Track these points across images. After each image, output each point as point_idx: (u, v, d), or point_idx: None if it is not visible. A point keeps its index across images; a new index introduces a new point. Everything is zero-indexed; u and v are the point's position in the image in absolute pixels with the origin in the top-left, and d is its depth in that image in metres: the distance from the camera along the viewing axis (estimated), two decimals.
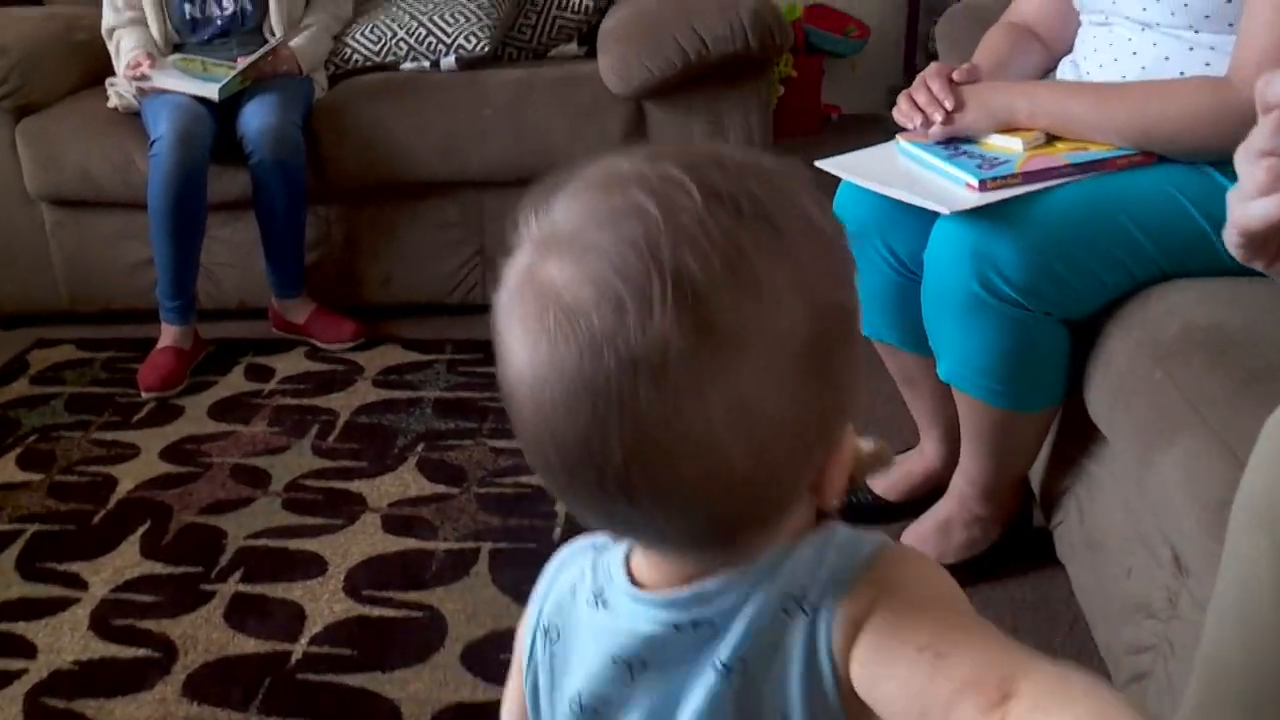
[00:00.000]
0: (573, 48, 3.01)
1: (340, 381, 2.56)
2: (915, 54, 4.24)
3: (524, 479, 2.12)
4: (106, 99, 2.80)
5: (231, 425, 2.40)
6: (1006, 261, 1.45)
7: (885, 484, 1.95)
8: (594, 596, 0.72)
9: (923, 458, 1.95)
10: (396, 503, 2.08)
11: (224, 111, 2.59)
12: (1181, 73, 1.56)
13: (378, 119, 2.69)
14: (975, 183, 1.47)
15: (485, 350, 2.65)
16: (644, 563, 0.70)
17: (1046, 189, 1.48)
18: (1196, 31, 1.55)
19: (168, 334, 2.63)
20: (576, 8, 2.95)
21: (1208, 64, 1.54)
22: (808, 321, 0.58)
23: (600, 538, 0.74)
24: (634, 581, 0.70)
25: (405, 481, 2.15)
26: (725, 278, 0.56)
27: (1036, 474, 1.80)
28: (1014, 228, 1.45)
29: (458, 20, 2.82)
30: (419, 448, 2.27)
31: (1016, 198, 1.46)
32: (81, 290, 2.87)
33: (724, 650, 0.66)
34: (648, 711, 0.70)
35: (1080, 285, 1.49)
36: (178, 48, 2.79)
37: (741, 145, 2.61)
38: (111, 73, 2.83)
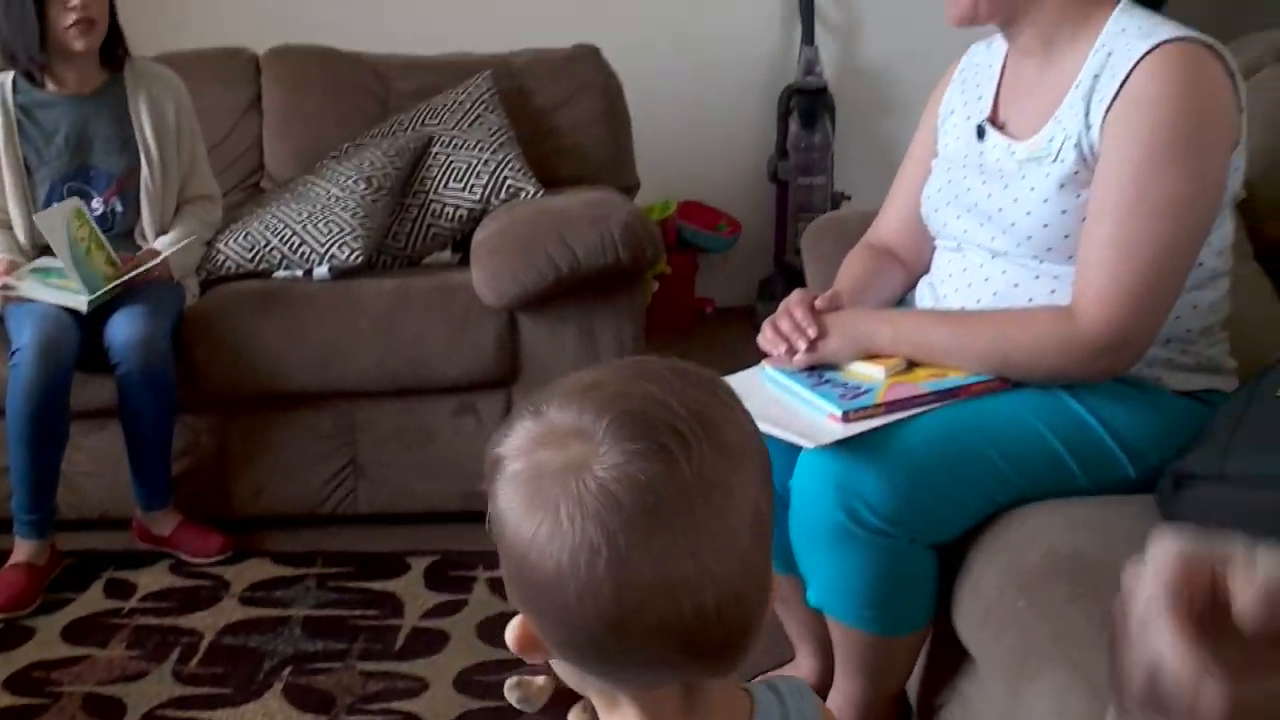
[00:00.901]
0: (446, 255, 3.04)
1: (205, 599, 2.48)
2: (784, 249, 4.36)
3: (394, 705, 2.06)
4: None
5: (87, 649, 2.30)
6: (871, 492, 1.47)
7: None
8: None
9: (798, 671, 1.94)
10: None
11: (91, 318, 2.55)
12: (1030, 299, 1.64)
13: (250, 328, 2.68)
14: (838, 414, 1.50)
15: (357, 563, 2.61)
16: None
17: (907, 418, 1.52)
18: (1041, 262, 1.63)
19: (21, 549, 2.53)
20: (450, 216, 2.99)
21: (1054, 291, 1.62)
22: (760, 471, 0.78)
23: None
24: None
25: (271, 710, 2.08)
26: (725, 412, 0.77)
27: (914, 690, 1.80)
28: (878, 459, 1.48)
29: (331, 229, 2.83)
30: (285, 672, 2.19)
31: (877, 429, 1.49)
32: None
33: None
34: None
35: (944, 511, 1.52)
36: (45, 250, 2.74)
37: (613, 353, 2.66)
38: None
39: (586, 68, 3.35)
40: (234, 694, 2.13)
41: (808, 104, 4.16)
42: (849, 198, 4.28)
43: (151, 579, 2.58)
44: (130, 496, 2.67)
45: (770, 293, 4.14)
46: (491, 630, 2.32)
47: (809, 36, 4.18)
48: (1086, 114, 1.58)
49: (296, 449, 2.75)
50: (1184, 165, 1.52)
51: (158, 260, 2.67)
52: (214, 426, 2.75)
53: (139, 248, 2.77)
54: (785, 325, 1.69)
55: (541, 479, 0.74)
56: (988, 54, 1.83)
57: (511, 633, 0.80)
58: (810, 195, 4.25)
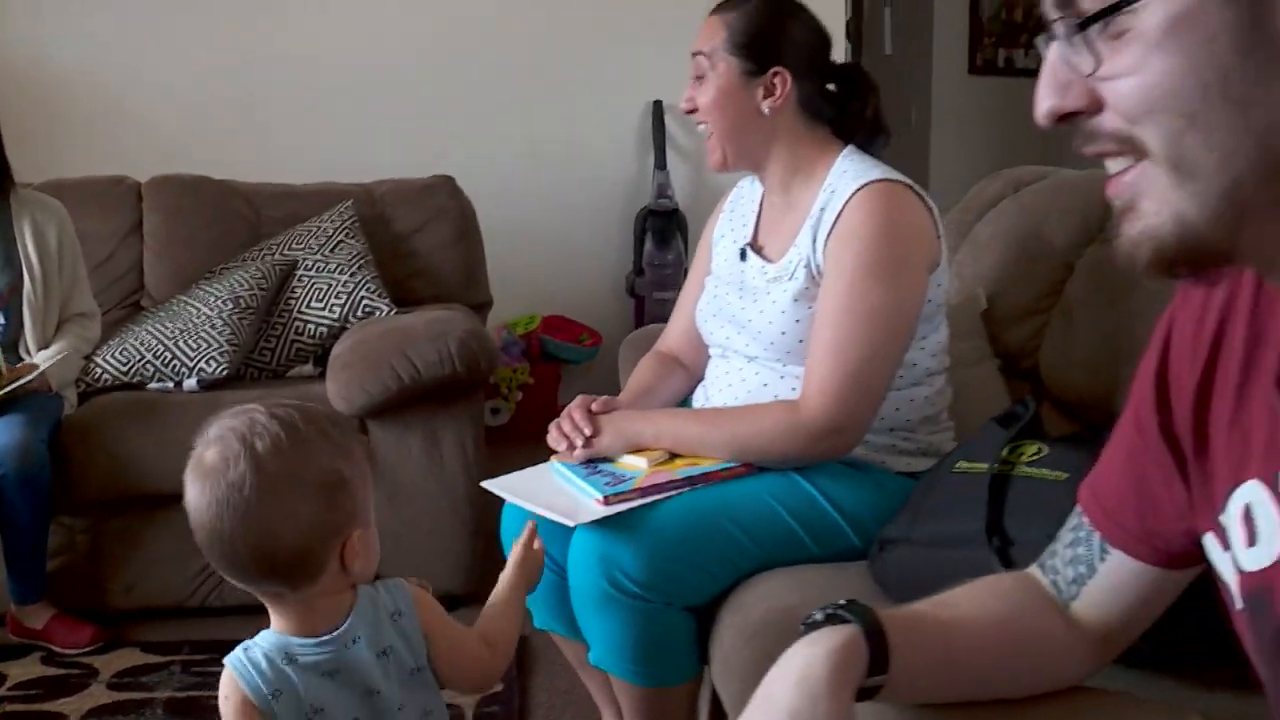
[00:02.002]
0: (309, 368, 3.30)
1: (74, 686, 2.67)
2: None
3: None
4: None
5: None
6: (629, 563, 1.76)
7: None
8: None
9: None
10: None
11: None
12: (776, 396, 1.96)
13: (124, 435, 2.91)
14: (601, 497, 1.79)
15: (221, 649, 2.78)
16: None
17: (662, 499, 1.82)
18: (784, 364, 1.96)
19: None
20: (312, 334, 3.27)
21: (794, 389, 1.93)
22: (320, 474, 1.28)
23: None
24: None
25: None
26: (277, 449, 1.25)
27: None
28: (634, 535, 1.77)
29: (200, 345, 3.10)
30: None
31: (636, 508, 1.79)
32: None
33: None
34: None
35: (693, 578, 1.81)
36: None
37: (455, 455, 2.93)
38: None
39: (442, 196, 3.67)
40: None
41: (661, 224, 4.52)
42: None
43: (22, 670, 2.76)
44: (4, 592, 2.86)
45: None
46: None
47: (661, 162, 4.56)
48: (814, 240, 1.92)
49: (166, 546, 2.95)
50: (884, 282, 1.85)
51: (37, 373, 2.90)
52: (88, 526, 2.97)
53: (21, 359, 3.00)
54: (566, 426, 1.99)
55: (194, 467, 1.30)
56: (752, 189, 2.18)
57: None
58: (665, 309, 4.52)
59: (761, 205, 2.13)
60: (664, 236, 4.54)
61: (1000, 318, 2.43)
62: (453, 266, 3.59)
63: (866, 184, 1.89)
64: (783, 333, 1.95)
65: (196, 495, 1.27)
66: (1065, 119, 0.85)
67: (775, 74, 1.97)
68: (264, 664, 1.30)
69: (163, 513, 2.95)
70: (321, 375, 3.21)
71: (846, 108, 2.05)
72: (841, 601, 1.11)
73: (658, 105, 4.57)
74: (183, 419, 2.93)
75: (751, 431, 1.90)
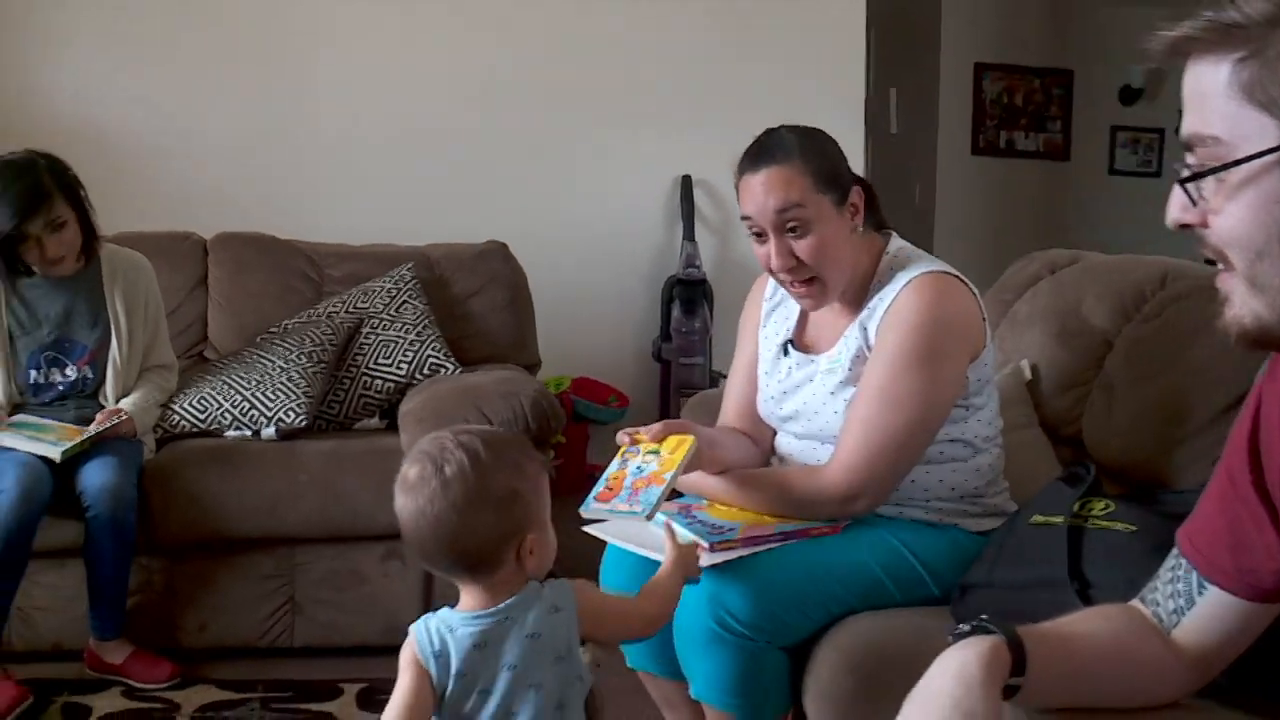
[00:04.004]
0: (375, 422, 3.47)
1: (159, 718, 2.80)
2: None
3: None
4: None
5: None
6: (737, 605, 1.92)
7: None
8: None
9: None
10: None
11: (60, 468, 2.90)
12: None
13: (204, 481, 3.06)
14: (707, 545, 1.97)
15: (294, 689, 2.94)
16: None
17: (762, 550, 1.99)
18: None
19: None
20: (379, 389, 3.44)
21: None
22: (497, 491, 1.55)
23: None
24: None
25: None
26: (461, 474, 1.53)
27: None
28: (742, 579, 1.94)
29: (278, 396, 3.26)
30: None
31: (741, 556, 1.96)
32: None
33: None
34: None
35: (793, 620, 1.98)
36: (18, 407, 3.11)
37: None
38: None
39: (496, 261, 3.87)
40: None
41: (688, 293, 4.72)
42: (724, 376, 4.80)
43: (106, 703, 2.88)
44: (85, 628, 2.99)
45: None
46: None
47: (690, 234, 4.77)
48: (865, 331, 2.11)
49: (239, 589, 3.11)
50: (922, 371, 2.03)
51: (124, 418, 3.05)
52: (165, 567, 3.10)
53: (102, 407, 3.15)
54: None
55: (400, 482, 1.57)
56: None
57: None
58: (691, 374, 4.77)
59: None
60: (691, 305, 4.73)
61: (1042, 389, 2.63)
62: (506, 329, 3.78)
63: (919, 275, 2.08)
64: (828, 421, 2.15)
65: (401, 504, 1.57)
66: (1184, 228, 1.16)
67: (855, 193, 2.12)
68: (433, 630, 1.59)
69: (238, 555, 3.11)
70: (388, 428, 3.38)
71: (872, 201, 2.21)
72: (983, 617, 1.30)
73: (687, 180, 4.78)
74: (262, 466, 3.10)
75: (775, 492, 2.11)
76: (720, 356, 4.80)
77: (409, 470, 1.57)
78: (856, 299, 2.16)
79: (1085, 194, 7.08)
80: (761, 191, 2.05)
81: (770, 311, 2.36)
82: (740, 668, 1.97)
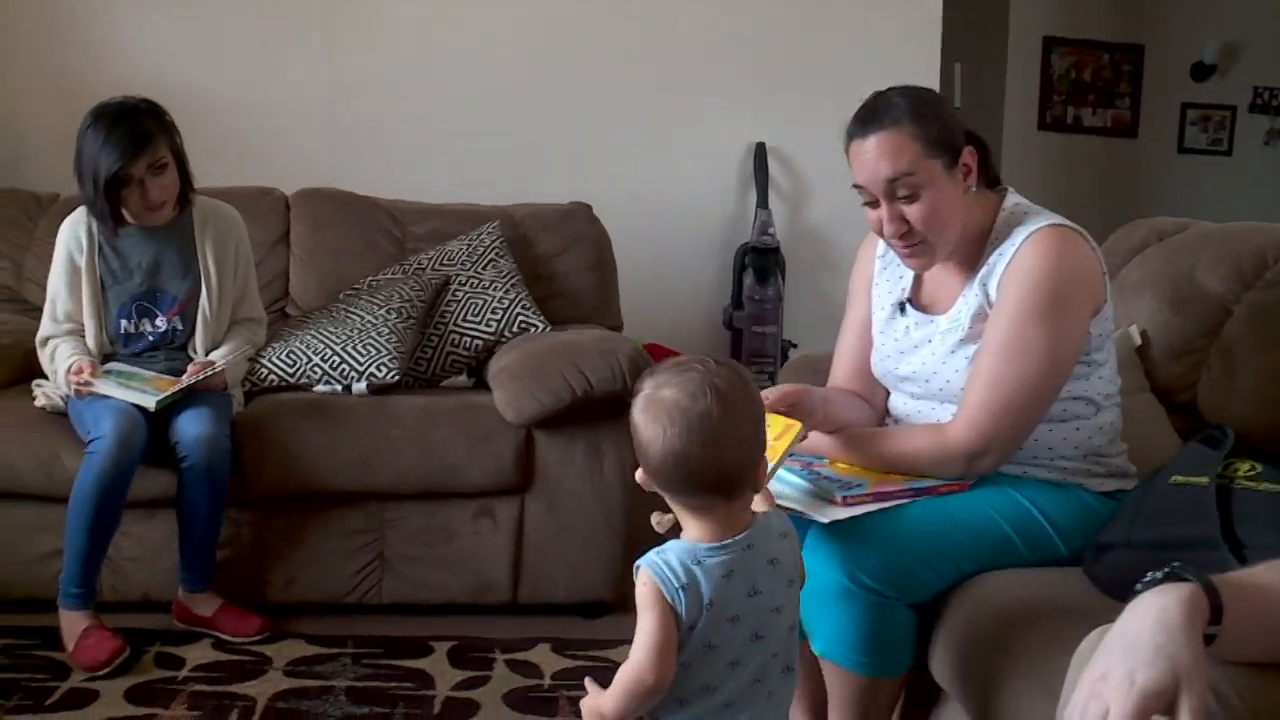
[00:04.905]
0: (463, 379, 3.45)
1: (251, 671, 2.79)
2: None
3: None
4: (33, 399, 3.09)
5: (151, 708, 2.59)
6: (869, 560, 1.89)
7: None
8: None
9: None
10: None
11: (154, 417, 2.89)
12: None
13: (296, 435, 3.04)
14: (840, 499, 1.93)
15: (385, 645, 2.92)
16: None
17: (894, 506, 1.96)
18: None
19: (78, 618, 2.82)
20: (468, 346, 3.41)
21: None
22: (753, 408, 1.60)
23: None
24: None
25: None
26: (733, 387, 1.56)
27: None
28: (874, 535, 1.91)
29: (369, 351, 3.24)
30: None
31: (871, 513, 1.93)
32: None
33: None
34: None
35: (924, 577, 1.95)
36: (108, 357, 3.10)
37: (615, 469, 3.06)
38: (36, 376, 3.13)
39: (580, 222, 3.84)
40: None
41: (761, 261, 4.67)
42: (795, 345, 4.77)
43: (198, 654, 2.88)
44: (173, 580, 2.99)
45: None
46: (515, 700, 2.67)
47: (763, 201, 4.72)
48: (986, 288, 2.07)
49: (328, 544, 3.10)
50: (1047, 324, 1.98)
51: (217, 369, 3.04)
52: (254, 520, 3.09)
53: (191, 359, 3.14)
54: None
55: (652, 405, 1.56)
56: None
57: (639, 477, 1.62)
58: (763, 343, 4.73)
59: None
60: (764, 273, 4.68)
61: (1153, 354, 2.58)
62: (590, 290, 3.75)
63: (1040, 228, 2.03)
64: (948, 380, 2.11)
65: (660, 427, 1.55)
66: None
67: (967, 153, 2.06)
68: (675, 564, 1.56)
69: (328, 510, 3.09)
70: (475, 386, 3.36)
71: (985, 158, 2.15)
72: (1176, 564, 1.26)
73: (760, 147, 4.73)
74: (354, 421, 3.08)
75: (898, 451, 2.08)
76: (792, 325, 4.76)
77: (662, 392, 1.56)
78: (972, 257, 2.12)
79: (1153, 171, 6.98)
80: (872, 159, 2.01)
81: (883, 270, 2.31)
82: (869, 625, 1.93)
